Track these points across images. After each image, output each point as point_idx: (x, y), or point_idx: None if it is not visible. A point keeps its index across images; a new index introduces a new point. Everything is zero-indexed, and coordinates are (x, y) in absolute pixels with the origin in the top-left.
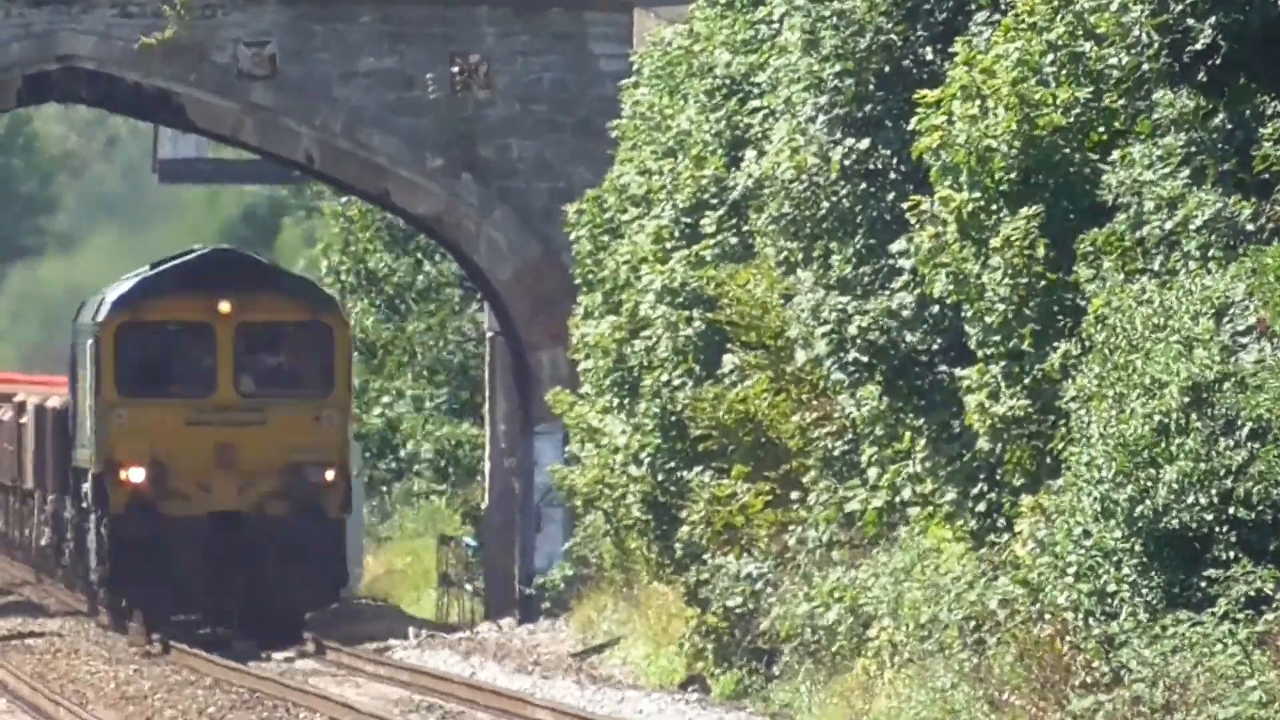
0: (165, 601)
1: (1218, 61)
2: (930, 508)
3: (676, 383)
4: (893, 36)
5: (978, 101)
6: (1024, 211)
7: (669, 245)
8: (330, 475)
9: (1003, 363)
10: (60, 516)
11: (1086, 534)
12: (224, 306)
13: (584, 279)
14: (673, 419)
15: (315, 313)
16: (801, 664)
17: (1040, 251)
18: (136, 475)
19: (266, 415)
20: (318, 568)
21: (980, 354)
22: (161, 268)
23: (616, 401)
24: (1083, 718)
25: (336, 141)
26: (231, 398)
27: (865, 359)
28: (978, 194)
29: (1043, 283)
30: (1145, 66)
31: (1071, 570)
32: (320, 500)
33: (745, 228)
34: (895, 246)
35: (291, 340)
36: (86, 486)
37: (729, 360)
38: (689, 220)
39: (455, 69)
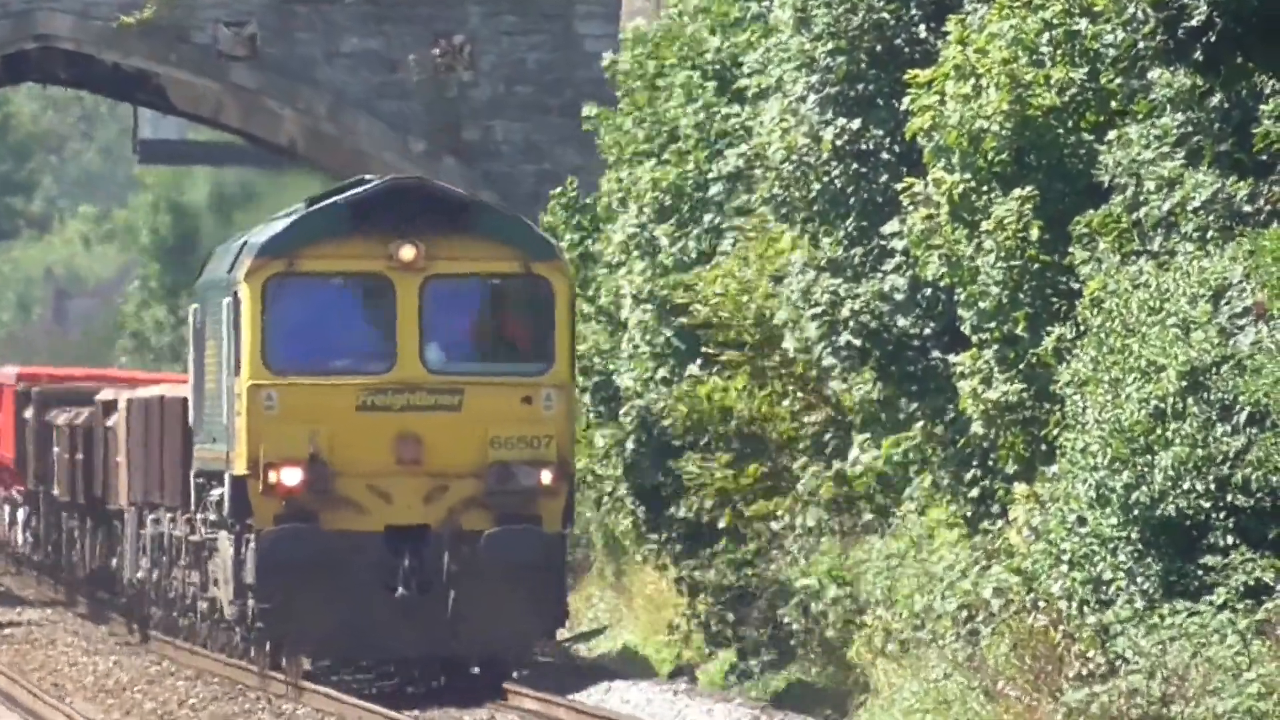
0: (331, 645)
1: (1214, 39)
2: (926, 488)
3: (656, 379)
4: (885, 14)
5: (970, 81)
6: (1016, 193)
7: (635, 253)
8: (548, 477)
9: (996, 347)
10: (167, 539)
11: (1081, 521)
12: (406, 253)
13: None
14: (650, 417)
15: (528, 261)
16: (793, 653)
17: (1034, 234)
18: (291, 478)
19: (463, 397)
20: (531, 600)
21: (974, 339)
22: (323, 204)
23: (600, 410)
24: (1077, 709)
25: (320, 125)
26: (417, 374)
27: (858, 343)
28: (969, 175)
29: (1036, 265)
30: (1141, 44)
31: (1066, 558)
32: (535, 510)
33: (718, 221)
34: (888, 228)
35: (497, 298)
36: (219, 494)
37: (692, 369)
38: (651, 226)
39: (439, 50)
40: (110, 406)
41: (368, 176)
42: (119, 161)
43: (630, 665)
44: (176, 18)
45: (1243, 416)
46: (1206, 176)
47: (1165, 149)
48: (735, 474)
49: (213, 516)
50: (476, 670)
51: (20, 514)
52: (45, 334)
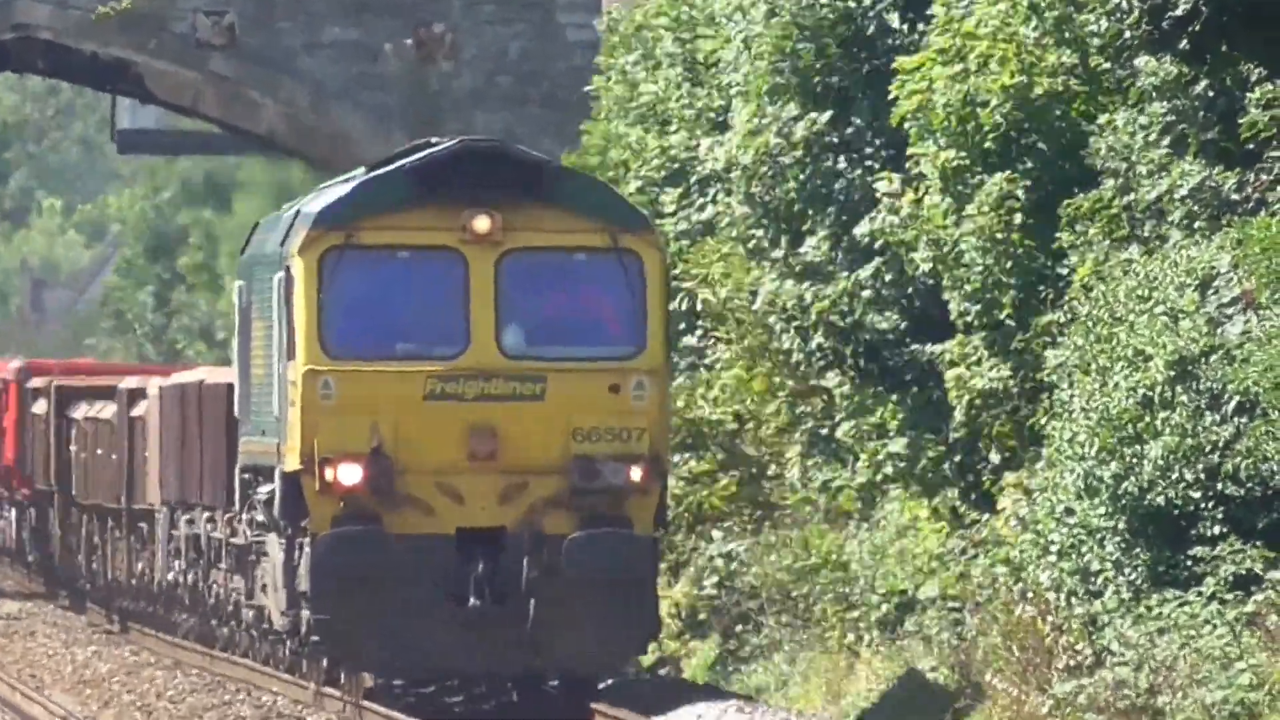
0: (395, 662)
1: (1199, 28)
2: (910, 485)
3: None
4: (851, 3)
5: (960, 63)
6: (998, 176)
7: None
8: (638, 474)
9: (983, 334)
10: (204, 540)
11: (1069, 511)
12: (480, 224)
13: None
14: None
15: (616, 233)
16: (779, 643)
17: (1018, 218)
18: (350, 475)
19: (544, 385)
20: (621, 612)
21: (960, 323)
22: (386, 168)
23: None
24: (1065, 701)
25: (302, 115)
26: (492, 359)
27: (828, 344)
28: (962, 153)
29: (1020, 249)
30: (1126, 34)
31: (1054, 549)
32: (624, 510)
33: (708, 204)
34: (859, 230)
35: (581, 273)
36: (268, 492)
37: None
38: (655, 191)
39: (419, 40)
40: (137, 395)
41: (434, 140)
42: (98, 158)
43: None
44: (155, 7)
45: (1231, 406)
46: (1192, 165)
47: (1152, 137)
48: (710, 492)
49: (260, 517)
50: (554, 685)
51: (27, 518)
52: (23, 324)
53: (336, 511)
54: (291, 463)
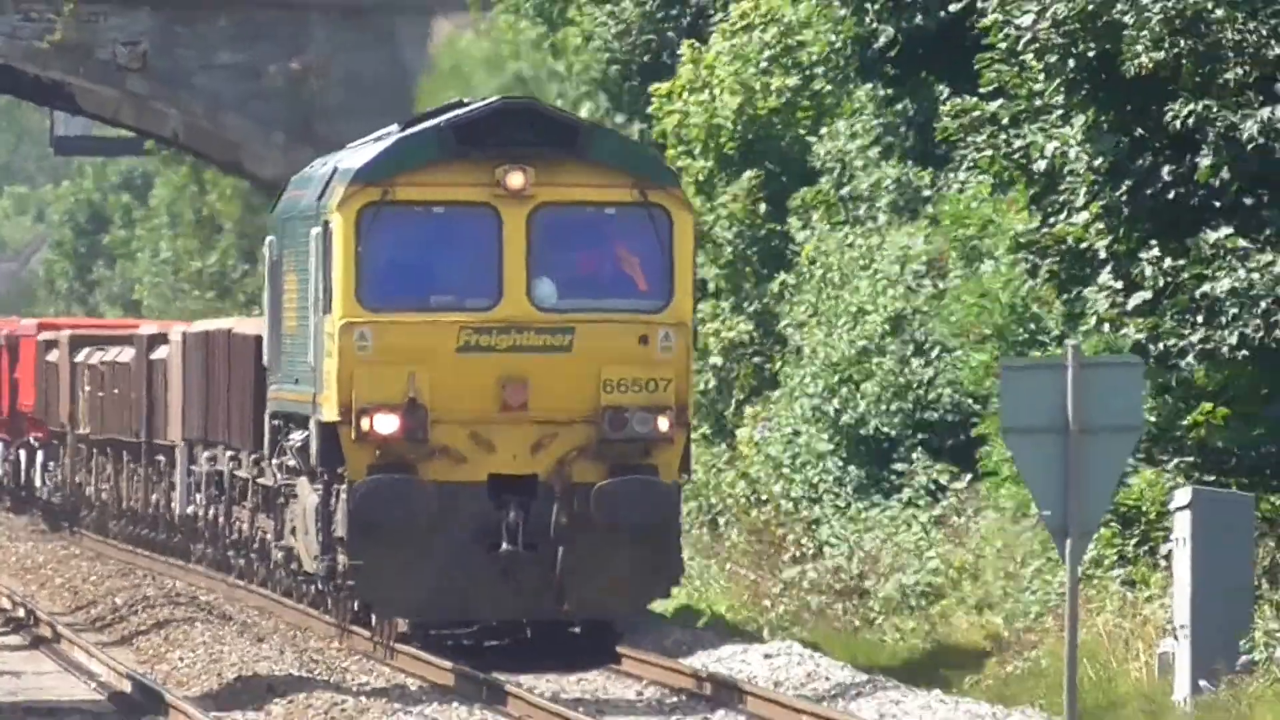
0: (427, 605)
1: (897, 55)
2: None
3: None
4: (652, 36)
5: (706, 91)
6: (746, 175)
7: None
8: (665, 424)
9: (731, 298)
10: (227, 478)
11: (797, 434)
12: (514, 180)
13: None
14: None
15: (645, 189)
16: None
17: (762, 208)
18: (386, 424)
19: (574, 337)
20: (646, 557)
21: (714, 288)
22: (422, 126)
23: None
24: (792, 583)
25: (199, 122)
26: (524, 311)
27: None
28: (710, 162)
29: (763, 232)
30: (841, 61)
31: (785, 467)
32: (651, 459)
33: None
34: None
35: (612, 228)
36: (300, 438)
37: None
38: None
39: (296, 64)
40: (157, 340)
41: (466, 100)
42: (40, 153)
43: None
44: (83, 38)
45: (934, 353)
46: (894, 168)
47: (863, 145)
48: None
49: (291, 462)
50: (577, 630)
51: (39, 457)
52: None
53: (372, 460)
54: (329, 413)
